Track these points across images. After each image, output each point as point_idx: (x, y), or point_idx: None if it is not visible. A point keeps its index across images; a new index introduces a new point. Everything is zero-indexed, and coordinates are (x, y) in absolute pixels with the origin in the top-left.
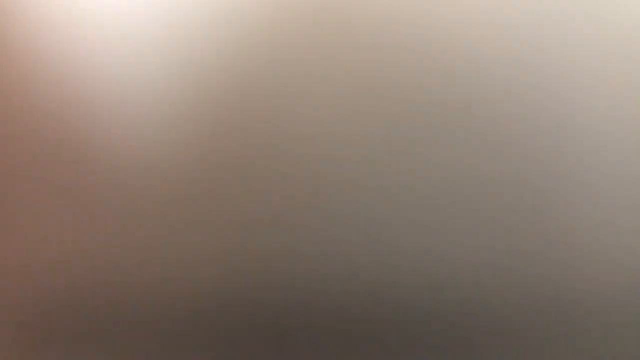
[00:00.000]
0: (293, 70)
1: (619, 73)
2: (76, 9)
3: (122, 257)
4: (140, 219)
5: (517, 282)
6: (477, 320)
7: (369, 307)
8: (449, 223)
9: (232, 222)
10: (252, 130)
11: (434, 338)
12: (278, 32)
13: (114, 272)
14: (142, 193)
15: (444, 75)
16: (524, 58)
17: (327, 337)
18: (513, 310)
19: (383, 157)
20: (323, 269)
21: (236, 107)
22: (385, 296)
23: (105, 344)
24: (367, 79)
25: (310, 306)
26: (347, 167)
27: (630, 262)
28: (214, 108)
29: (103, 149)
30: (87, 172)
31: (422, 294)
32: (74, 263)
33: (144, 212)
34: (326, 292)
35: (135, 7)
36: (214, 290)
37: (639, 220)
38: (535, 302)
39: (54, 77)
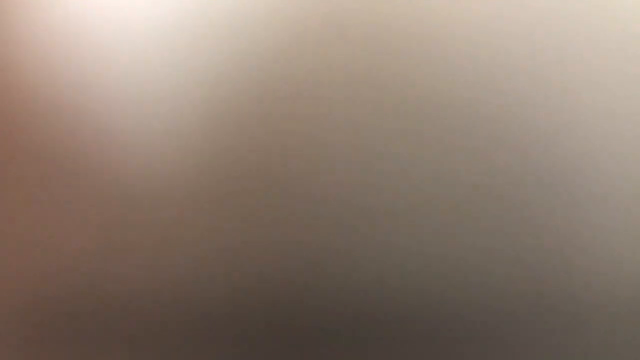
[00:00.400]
0: (294, 71)
1: (620, 74)
2: (76, 10)
3: (123, 259)
4: (142, 221)
5: (518, 283)
6: (477, 321)
7: (371, 307)
8: (449, 224)
9: (234, 223)
10: (254, 130)
11: (437, 338)
12: (278, 33)
13: (115, 275)
14: (144, 195)
15: (445, 77)
16: (524, 59)
17: (328, 337)
18: (513, 311)
19: (384, 158)
20: (325, 270)
21: (238, 107)
22: (386, 296)
23: (107, 347)
24: (366, 80)
25: (311, 306)
26: (348, 168)
27: (631, 263)
28: (216, 109)
29: (104, 153)
30: (88, 175)
31: (424, 295)
32: (75, 266)
33: (146, 214)
34: (328, 292)
35: (137, 8)
36: (217, 292)
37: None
38: (536, 303)
39: (55, 79)
